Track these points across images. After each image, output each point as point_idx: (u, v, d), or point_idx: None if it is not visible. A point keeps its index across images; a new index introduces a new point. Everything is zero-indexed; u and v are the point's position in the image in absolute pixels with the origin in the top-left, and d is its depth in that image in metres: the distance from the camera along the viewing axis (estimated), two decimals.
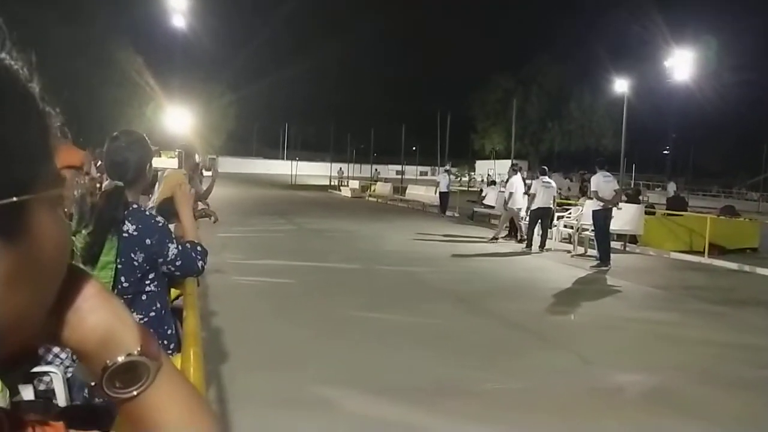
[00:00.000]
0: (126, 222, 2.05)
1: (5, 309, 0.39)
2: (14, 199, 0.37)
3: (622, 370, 4.98)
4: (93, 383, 0.49)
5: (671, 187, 22.42)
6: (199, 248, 2.25)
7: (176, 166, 4.98)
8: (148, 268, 2.09)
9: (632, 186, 20.48)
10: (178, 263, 2.13)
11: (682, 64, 25.59)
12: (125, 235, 2.03)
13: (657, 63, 32.16)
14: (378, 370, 4.76)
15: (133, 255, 2.04)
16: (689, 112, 55.71)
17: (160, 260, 2.10)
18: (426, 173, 72.09)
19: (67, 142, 0.43)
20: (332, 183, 42.41)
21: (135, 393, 0.50)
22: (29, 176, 0.39)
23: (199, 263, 2.22)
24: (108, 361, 0.48)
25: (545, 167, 12.99)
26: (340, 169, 46.86)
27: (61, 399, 2.70)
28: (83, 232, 1.91)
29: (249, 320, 6.04)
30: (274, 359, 4.89)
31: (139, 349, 0.50)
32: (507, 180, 14.02)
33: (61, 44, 34.56)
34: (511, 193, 12.99)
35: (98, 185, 4.28)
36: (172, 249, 2.11)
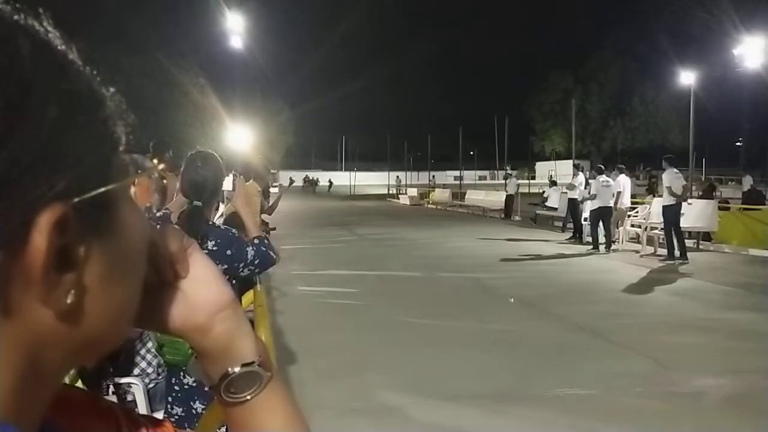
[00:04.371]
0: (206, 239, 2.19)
1: (108, 308, 0.38)
2: (110, 186, 0.36)
3: (700, 374, 4.76)
4: (209, 386, 0.52)
5: (747, 181, 21.34)
6: (266, 241, 2.40)
7: (230, 188, 5.15)
8: (228, 277, 2.19)
9: (704, 180, 19.54)
10: (257, 261, 2.28)
11: (752, 51, 24.30)
12: (206, 251, 2.13)
13: (725, 51, 30.72)
14: (446, 376, 4.75)
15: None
16: (762, 102, 52.69)
17: (242, 264, 2.24)
18: (485, 177, 71.35)
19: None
20: (390, 192, 42.60)
21: (248, 398, 0.52)
22: (108, 166, 0.38)
23: (272, 254, 2.36)
24: (229, 369, 0.51)
25: (601, 166, 12.75)
26: (398, 177, 46.99)
27: (142, 410, 2.84)
28: None
29: (316, 330, 6.15)
30: (342, 368, 4.96)
31: (257, 359, 0.52)
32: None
33: (131, 72, 36.62)
34: (618, 192, 12.46)
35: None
36: (250, 252, 2.26)
